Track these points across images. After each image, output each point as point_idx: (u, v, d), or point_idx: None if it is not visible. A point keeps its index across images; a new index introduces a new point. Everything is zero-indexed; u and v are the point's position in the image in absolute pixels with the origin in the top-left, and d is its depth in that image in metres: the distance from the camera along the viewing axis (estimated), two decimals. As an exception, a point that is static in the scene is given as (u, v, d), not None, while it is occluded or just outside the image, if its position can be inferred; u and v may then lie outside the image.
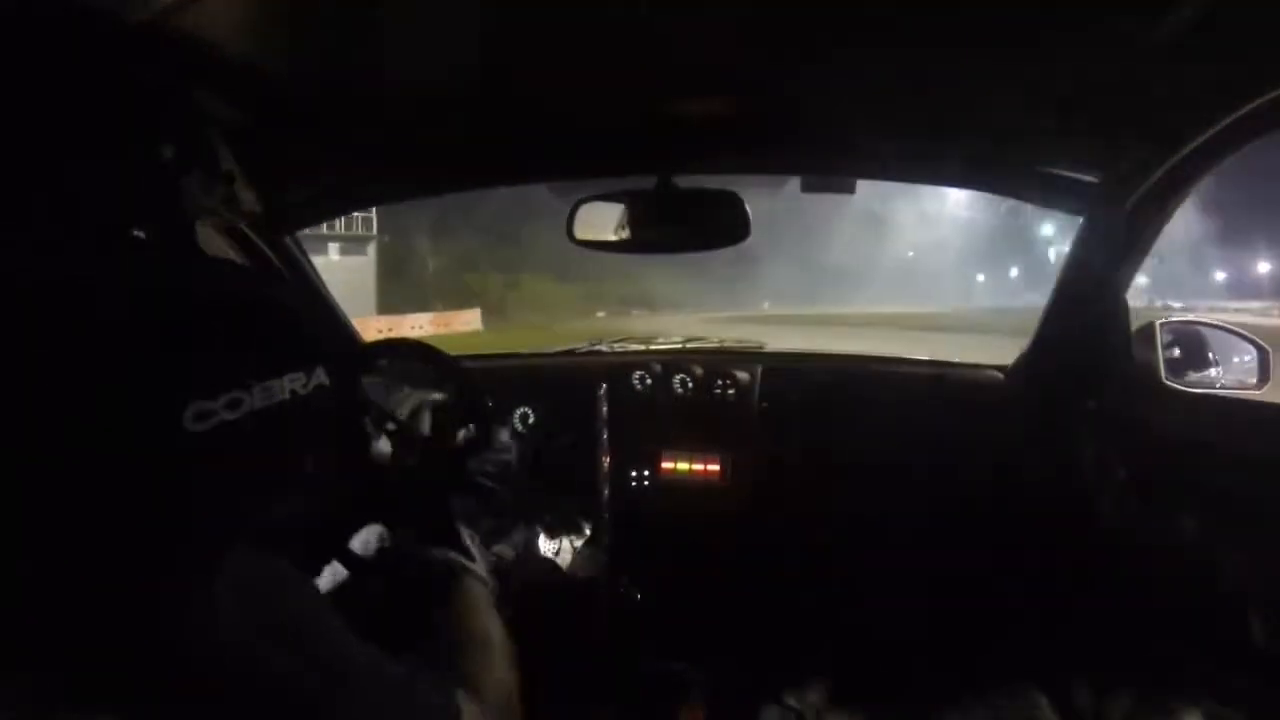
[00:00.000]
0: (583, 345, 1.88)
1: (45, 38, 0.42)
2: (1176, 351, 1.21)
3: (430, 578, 0.71)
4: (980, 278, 41.62)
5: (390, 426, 1.06)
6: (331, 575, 0.83)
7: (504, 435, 0.89)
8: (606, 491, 1.29)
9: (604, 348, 1.83)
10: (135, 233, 0.45)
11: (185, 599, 0.38)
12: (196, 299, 0.38)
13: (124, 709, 0.36)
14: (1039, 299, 1.42)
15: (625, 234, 1.25)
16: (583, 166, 1.31)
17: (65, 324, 0.34)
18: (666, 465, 1.48)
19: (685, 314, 24.20)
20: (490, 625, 0.67)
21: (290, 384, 0.39)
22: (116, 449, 0.35)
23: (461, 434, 1.04)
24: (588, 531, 1.27)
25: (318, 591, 0.49)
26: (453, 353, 1.06)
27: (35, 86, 0.41)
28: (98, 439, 0.34)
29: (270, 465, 0.41)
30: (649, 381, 1.56)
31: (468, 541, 0.74)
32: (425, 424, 1.02)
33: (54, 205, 0.41)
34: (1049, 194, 1.21)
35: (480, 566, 0.73)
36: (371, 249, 24.21)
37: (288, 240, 1.40)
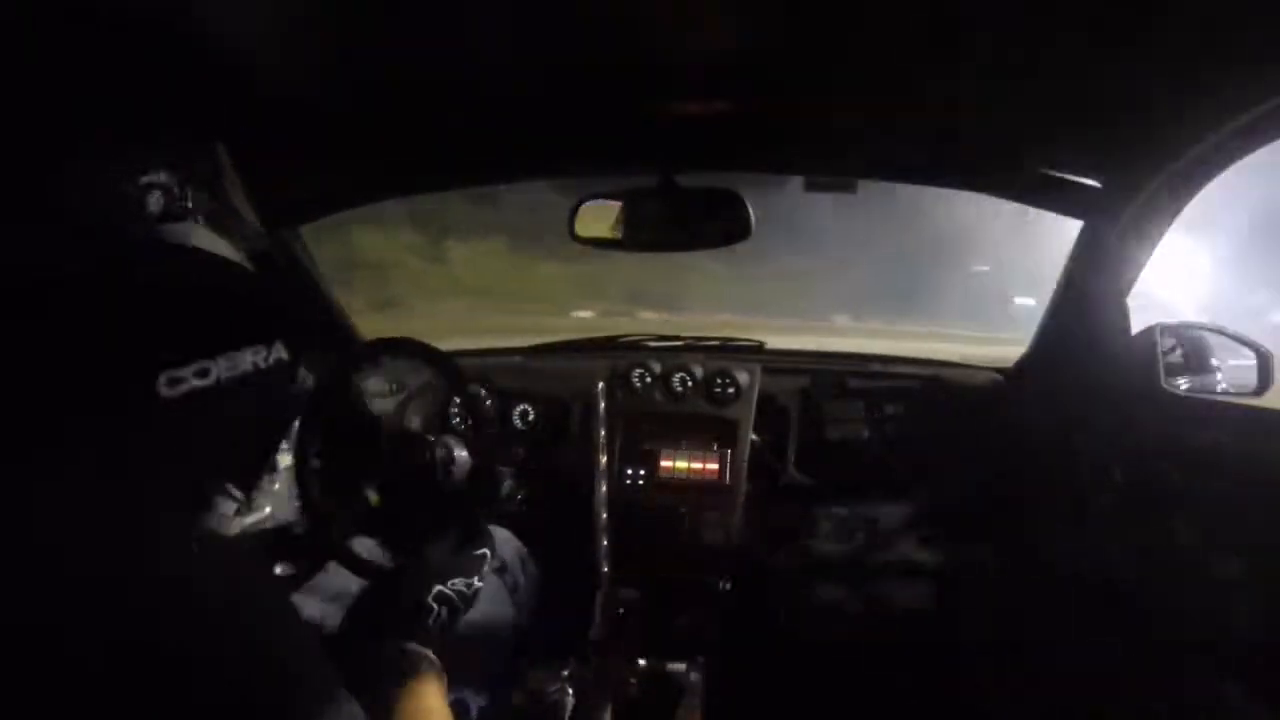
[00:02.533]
0: (582, 341, 1.87)
1: (42, 36, 0.43)
2: (1176, 355, 1.21)
3: (385, 662, 0.72)
4: None
5: (384, 424, 1.06)
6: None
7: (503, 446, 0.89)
8: (605, 491, 1.29)
9: (603, 345, 1.83)
10: (113, 219, 0.46)
11: (161, 560, 0.40)
12: (165, 277, 0.42)
13: (89, 670, 0.37)
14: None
15: (626, 232, 1.25)
16: (585, 164, 1.31)
17: (52, 303, 0.38)
18: (665, 465, 1.48)
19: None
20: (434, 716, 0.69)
21: (252, 356, 0.42)
22: (100, 411, 0.38)
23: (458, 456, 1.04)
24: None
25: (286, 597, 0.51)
26: (449, 348, 1.06)
27: (26, 82, 0.42)
28: (82, 402, 0.38)
29: (237, 428, 0.45)
30: (649, 380, 1.56)
31: (430, 621, 0.75)
32: (417, 424, 1.02)
33: (41, 198, 0.43)
34: (1051, 197, 1.21)
35: (435, 659, 0.74)
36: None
37: (287, 235, 1.40)
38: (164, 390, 0.38)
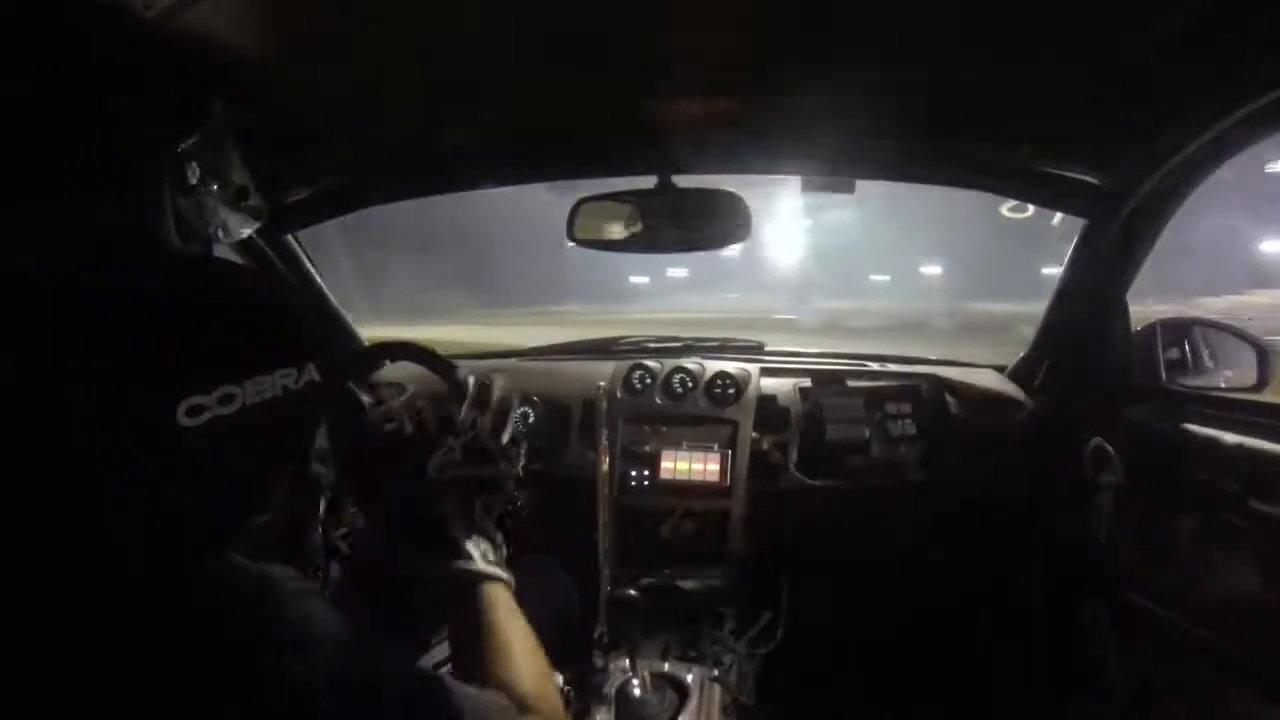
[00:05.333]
0: (583, 344, 1.88)
1: (47, 38, 0.42)
2: (1176, 351, 1.21)
3: (449, 584, 0.70)
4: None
5: (390, 427, 1.06)
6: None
7: (505, 436, 0.88)
8: (606, 492, 1.29)
9: (604, 347, 1.83)
10: (120, 232, 0.45)
11: (179, 597, 0.38)
12: (188, 296, 0.39)
13: (125, 706, 0.36)
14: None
15: (625, 233, 1.25)
16: (583, 166, 1.31)
17: (62, 321, 0.35)
18: (666, 465, 1.48)
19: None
20: (512, 626, 0.67)
21: (282, 380, 0.39)
22: (112, 445, 0.35)
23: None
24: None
25: (321, 597, 0.49)
26: (449, 352, 1.06)
27: (30, 86, 0.41)
28: (94, 435, 0.34)
29: (263, 460, 0.41)
30: (649, 382, 1.56)
31: (485, 543, 0.73)
32: (423, 425, 1.02)
33: (50, 207, 0.42)
34: (1051, 195, 1.21)
35: (500, 569, 0.71)
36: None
37: (289, 239, 1.41)
38: (184, 420, 0.35)
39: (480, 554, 0.71)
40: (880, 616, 1.55)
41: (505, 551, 0.76)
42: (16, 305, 0.34)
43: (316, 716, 0.40)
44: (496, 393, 0.85)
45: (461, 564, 0.70)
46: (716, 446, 1.48)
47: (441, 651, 0.81)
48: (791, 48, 0.85)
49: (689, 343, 1.78)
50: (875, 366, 1.69)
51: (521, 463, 0.87)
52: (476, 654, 0.63)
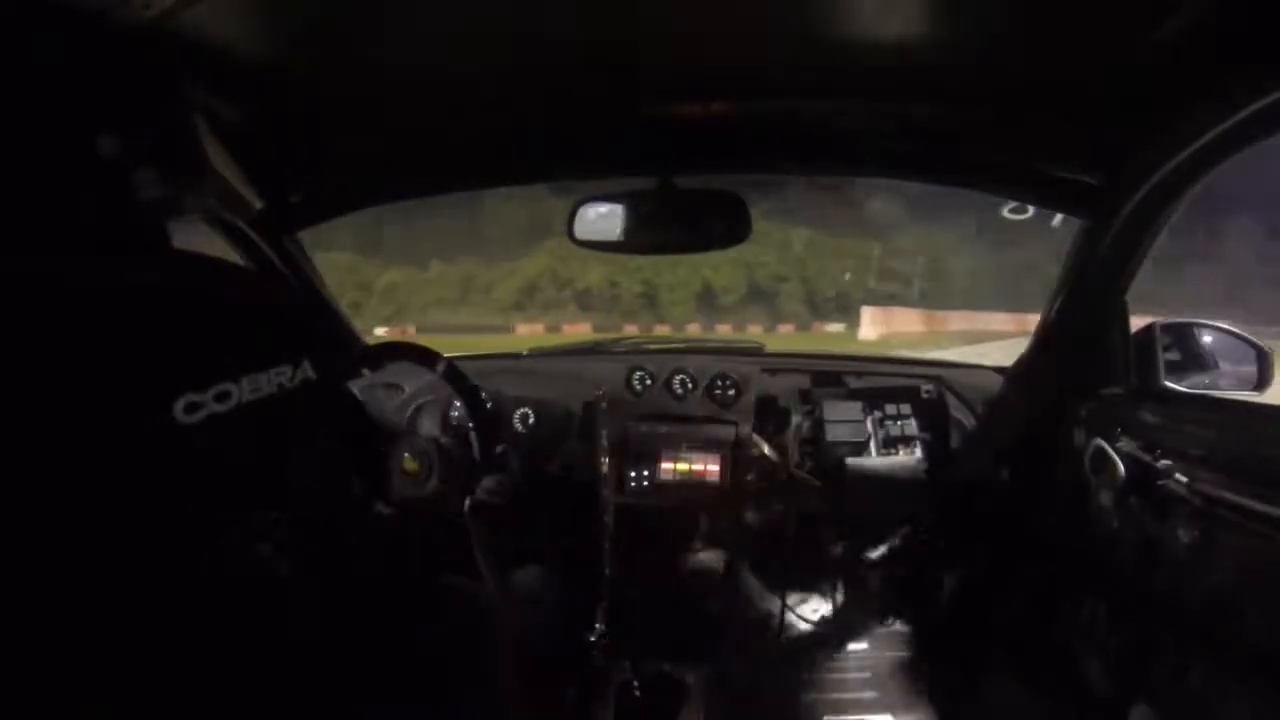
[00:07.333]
0: (583, 345, 1.88)
1: (38, 37, 0.42)
2: (1176, 353, 1.21)
3: (441, 600, 0.72)
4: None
5: (392, 428, 1.06)
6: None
7: (504, 444, 0.89)
8: (607, 493, 1.29)
9: (604, 348, 1.83)
10: (119, 230, 0.44)
11: (176, 589, 0.38)
12: (185, 295, 0.39)
13: (121, 696, 0.36)
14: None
15: (626, 234, 1.26)
16: (584, 167, 1.31)
17: (57, 320, 0.35)
18: (666, 465, 1.48)
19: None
20: (492, 648, 0.69)
21: (277, 378, 0.40)
22: (110, 441, 0.35)
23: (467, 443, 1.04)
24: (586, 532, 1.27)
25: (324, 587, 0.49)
26: (450, 353, 1.06)
27: (28, 88, 0.41)
28: (91, 432, 0.35)
29: (259, 457, 0.42)
30: (649, 383, 1.56)
31: (481, 563, 0.75)
32: (425, 427, 1.02)
33: (37, 205, 0.41)
34: (1050, 196, 1.21)
35: (490, 592, 0.73)
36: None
37: (288, 240, 1.40)
38: (181, 417, 0.35)
39: (488, 573, 0.73)
40: (879, 615, 1.55)
41: (500, 573, 0.78)
42: (13, 303, 0.34)
43: (323, 688, 0.40)
44: (496, 393, 0.86)
45: (468, 582, 0.73)
46: (716, 447, 1.48)
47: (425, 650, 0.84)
48: (791, 48, 0.86)
49: (690, 344, 1.78)
50: (876, 367, 1.69)
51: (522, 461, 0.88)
52: (453, 667, 0.65)
